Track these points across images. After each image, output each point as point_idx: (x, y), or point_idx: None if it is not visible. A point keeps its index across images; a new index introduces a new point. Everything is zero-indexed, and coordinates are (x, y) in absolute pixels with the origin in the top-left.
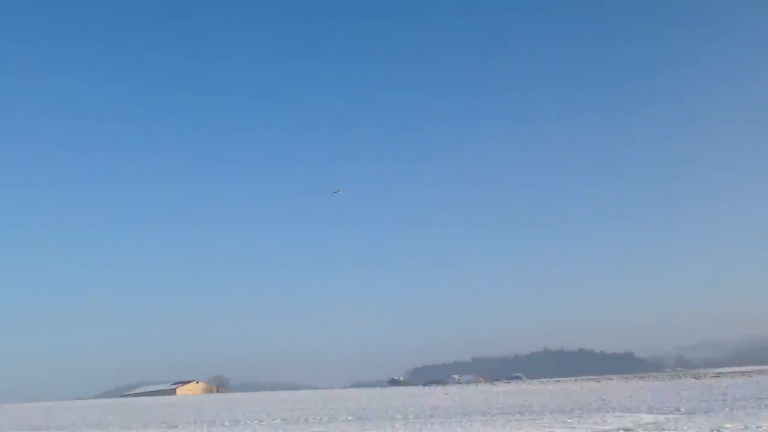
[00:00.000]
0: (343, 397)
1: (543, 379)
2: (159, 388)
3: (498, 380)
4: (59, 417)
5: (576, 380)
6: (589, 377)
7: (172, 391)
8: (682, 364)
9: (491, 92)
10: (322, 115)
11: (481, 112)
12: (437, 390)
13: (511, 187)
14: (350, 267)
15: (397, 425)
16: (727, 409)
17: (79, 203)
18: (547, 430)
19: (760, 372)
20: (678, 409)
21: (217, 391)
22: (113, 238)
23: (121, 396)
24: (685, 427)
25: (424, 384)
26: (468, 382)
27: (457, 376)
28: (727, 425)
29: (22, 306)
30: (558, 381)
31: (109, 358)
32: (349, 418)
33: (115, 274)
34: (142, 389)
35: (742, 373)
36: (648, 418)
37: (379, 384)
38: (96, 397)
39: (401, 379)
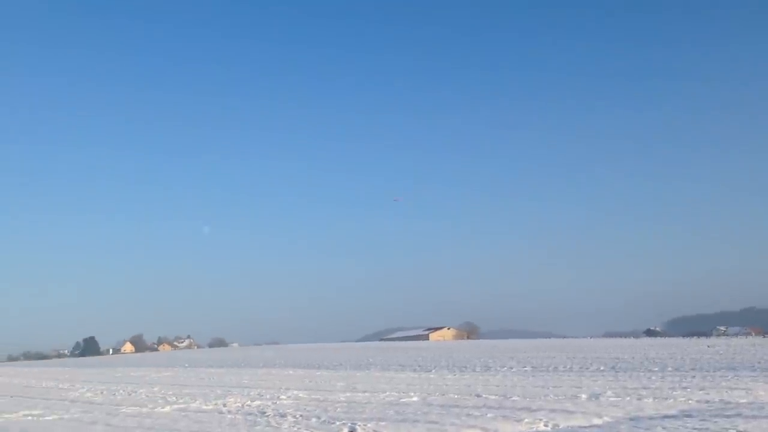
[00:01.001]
0: (594, 347)
1: None
2: (413, 334)
3: None
4: (328, 357)
5: None
6: None
7: (425, 337)
8: None
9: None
10: None
11: None
12: (699, 342)
13: None
14: (603, 212)
15: (653, 377)
16: None
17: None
18: None
19: None
20: None
21: (467, 338)
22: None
23: (380, 340)
24: None
25: (684, 335)
26: (736, 335)
27: (722, 328)
28: None
29: (300, 261)
30: None
31: (370, 304)
32: (601, 368)
33: (379, 229)
34: (397, 334)
35: None
36: None
37: (633, 334)
38: (358, 340)
39: (658, 329)
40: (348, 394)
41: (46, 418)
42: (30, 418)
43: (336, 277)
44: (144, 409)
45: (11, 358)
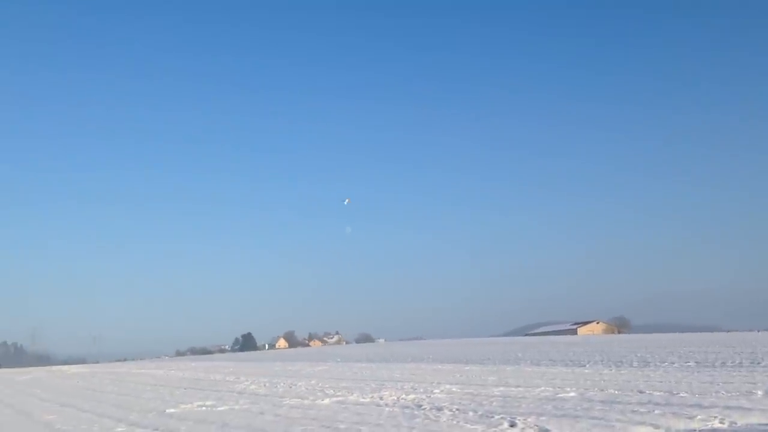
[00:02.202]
0: (763, 341)
1: None
2: (559, 328)
3: None
4: (475, 352)
5: None
6: None
7: (573, 331)
8: None
9: None
10: None
11: None
12: None
13: None
14: (764, 198)
15: None
16: None
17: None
18: None
19: None
20: None
21: (618, 332)
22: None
23: (525, 335)
24: None
25: None
26: None
27: None
28: None
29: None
30: None
31: (513, 299)
32: None
33: (521, 223)
34: (543, 329)
35: None
36: None
37: None
38: (502, 335)
39: None
40: (501, 389)
41: (219, 408)
42: (204, 408)
43: (479, 272)
44: (306, 401)
45: (179, 353)
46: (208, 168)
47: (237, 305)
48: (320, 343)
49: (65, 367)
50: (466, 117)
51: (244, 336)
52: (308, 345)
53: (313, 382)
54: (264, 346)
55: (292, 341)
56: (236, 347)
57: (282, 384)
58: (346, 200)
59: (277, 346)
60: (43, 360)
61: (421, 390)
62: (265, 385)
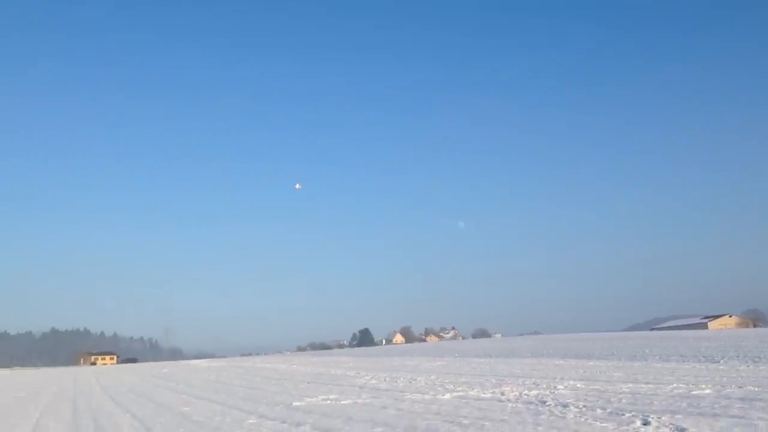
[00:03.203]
0: None
1: None
2: (688, 322)
3: None
4: (597, 347)
5: None
6: None
7: (703, 325)
8: None
9: None
10: None
11: None
12: None
13: None
14: None
15: None
16: None
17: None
18: None
19: None
20: None
21: (754, 326)
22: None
23: (651, 329)
24: None
25: None
26: None
27: None
28: None
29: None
30: None
31: (639, 291)
32: None
33: (644, 214)
34: (670, 323)
35: None
36: None
37: None
38: (625, 330)
39: None
40: (630, 385)
41: (342, 402)
42: (328, 402)
43: (599, 265)
44: (426, 396)
45: (300, 348)
46: (320, 167)
47: (355, 301)
48: (436, 338)
49: (196, 362)
50: (588, 120)
51: (361, 331)
52: (424, 340)
53: (432, 377)
54: (381, 341)
55: (409, 336)
56: (354, 342)
57: (402, 379)
58: (297, 185)
59: (393, 342)
60: (176, 354)
61: (544, 386)
62: (385, 380)
